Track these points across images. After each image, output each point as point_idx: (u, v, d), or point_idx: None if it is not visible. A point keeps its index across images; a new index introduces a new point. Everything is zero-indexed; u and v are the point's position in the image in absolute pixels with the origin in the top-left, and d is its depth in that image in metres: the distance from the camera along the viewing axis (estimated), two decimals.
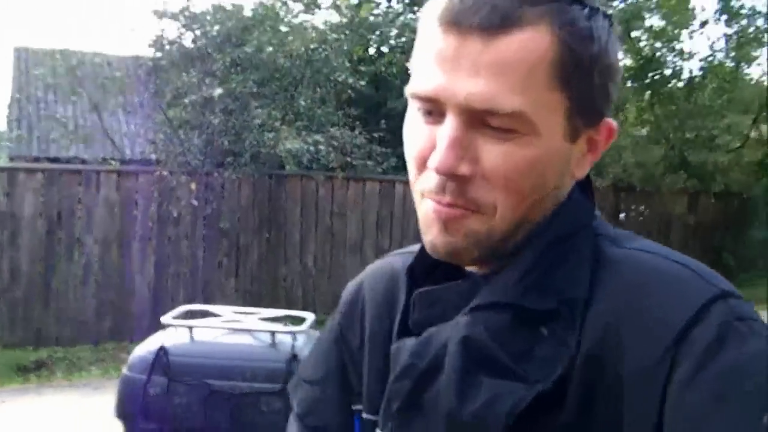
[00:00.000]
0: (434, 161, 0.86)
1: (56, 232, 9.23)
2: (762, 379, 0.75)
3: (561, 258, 0.90)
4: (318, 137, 9.23)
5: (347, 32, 11.06)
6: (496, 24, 0.84)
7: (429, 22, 0.89)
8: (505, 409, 0.84)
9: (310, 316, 2.99)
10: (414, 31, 0.94)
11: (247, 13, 10.81)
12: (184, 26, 10.42)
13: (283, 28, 10.79)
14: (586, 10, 0.88)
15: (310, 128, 9.61)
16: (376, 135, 9.87)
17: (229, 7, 10.62)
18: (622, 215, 13.45)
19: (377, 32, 12.64)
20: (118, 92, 10.80)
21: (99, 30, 36.37)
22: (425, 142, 0.89)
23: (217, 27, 10.13)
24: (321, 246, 10.43)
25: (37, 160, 11.97)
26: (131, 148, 10.95)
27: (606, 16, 0.91)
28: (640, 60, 15.21)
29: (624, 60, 16.16)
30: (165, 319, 2.78)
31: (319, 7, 14.48)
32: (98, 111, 10.41)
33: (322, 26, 11.73)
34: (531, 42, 0.84)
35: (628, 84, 15.45)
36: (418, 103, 0.90)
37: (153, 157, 10.25)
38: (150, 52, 10.81)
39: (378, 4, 13.84)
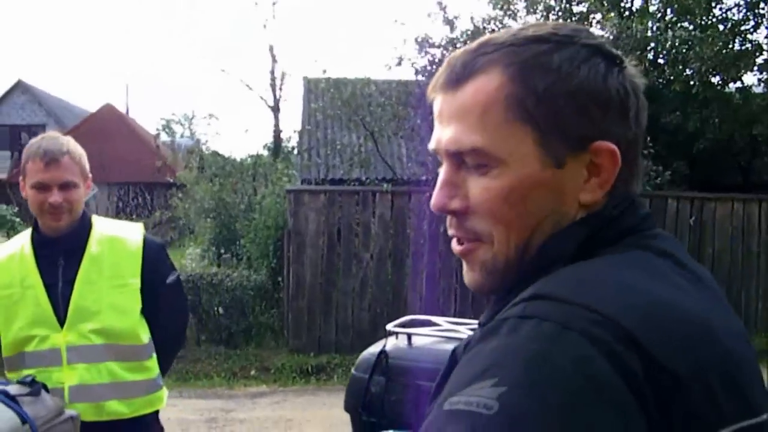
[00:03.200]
0: (431, 202, 1.04)
1: (336, 248, 9.93)
2: (477, 368, 0.81)
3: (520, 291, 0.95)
4: None
5: (618, 46, 10.88)
6: (454, 80, 1.01)
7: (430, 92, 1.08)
8: None
9: None
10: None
11: None
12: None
13: None
14: (546, 46, 0.98)
15: None
16: (647, 152, 9.57)
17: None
18: None
19: (648, 46, 12.33)
20: (391, 118, 11.45)
21: (367, 56, 37.93)
22: None
23: None
24: None
25: (323, 182, 12.91)
26: (405, 169, 11.52)
27: (585, 45, 1.00)
28: None
29: None
30: (389, 326, 3.08)
31: (590, 23, 14.36)
32: (373, 137, 11.12)
33: None
34: (483, 86, 0.99)
35: None
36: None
37: (423, 177, 10.71)
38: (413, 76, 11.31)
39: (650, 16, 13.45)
